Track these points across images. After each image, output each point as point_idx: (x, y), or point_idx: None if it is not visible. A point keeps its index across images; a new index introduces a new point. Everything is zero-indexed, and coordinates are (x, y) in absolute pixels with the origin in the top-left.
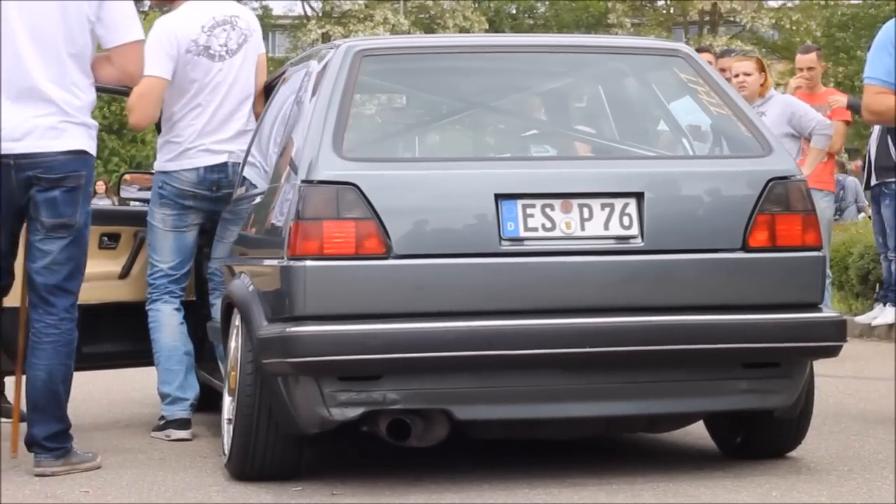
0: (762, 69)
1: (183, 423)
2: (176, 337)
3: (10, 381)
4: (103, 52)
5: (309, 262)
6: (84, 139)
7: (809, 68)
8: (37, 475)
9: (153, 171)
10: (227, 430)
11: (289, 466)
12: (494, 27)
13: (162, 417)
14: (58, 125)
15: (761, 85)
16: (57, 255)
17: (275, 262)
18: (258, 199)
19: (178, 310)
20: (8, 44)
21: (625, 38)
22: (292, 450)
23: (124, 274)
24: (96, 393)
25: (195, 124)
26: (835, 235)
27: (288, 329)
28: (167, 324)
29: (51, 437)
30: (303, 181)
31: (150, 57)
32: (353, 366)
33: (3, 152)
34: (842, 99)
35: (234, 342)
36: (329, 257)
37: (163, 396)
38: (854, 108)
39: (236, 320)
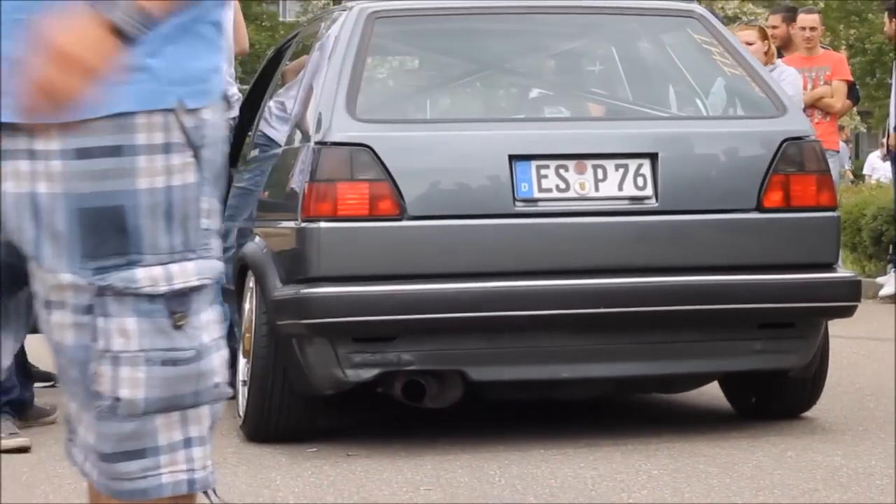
0: (765, 37)
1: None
2: None
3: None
4: None
5: (323, 224)
6: None
7: (812, 28)
8: None
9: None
10: (242, 392)
11: (303, 427)
12: None
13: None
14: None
15: (765, 53)
16: None
17: (289, 223)
18: (272, 162)
19: None
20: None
21: (638, 0)
22: (307, 411)
23: None
24: None
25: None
26: (847, 197)
27: (302, 290)
28: None
29: None
30: (317, 143)
31: None
32: (367, 327)
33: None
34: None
35: (249, 304)
36: (343, 219)
37: None
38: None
39: (250, 282)
